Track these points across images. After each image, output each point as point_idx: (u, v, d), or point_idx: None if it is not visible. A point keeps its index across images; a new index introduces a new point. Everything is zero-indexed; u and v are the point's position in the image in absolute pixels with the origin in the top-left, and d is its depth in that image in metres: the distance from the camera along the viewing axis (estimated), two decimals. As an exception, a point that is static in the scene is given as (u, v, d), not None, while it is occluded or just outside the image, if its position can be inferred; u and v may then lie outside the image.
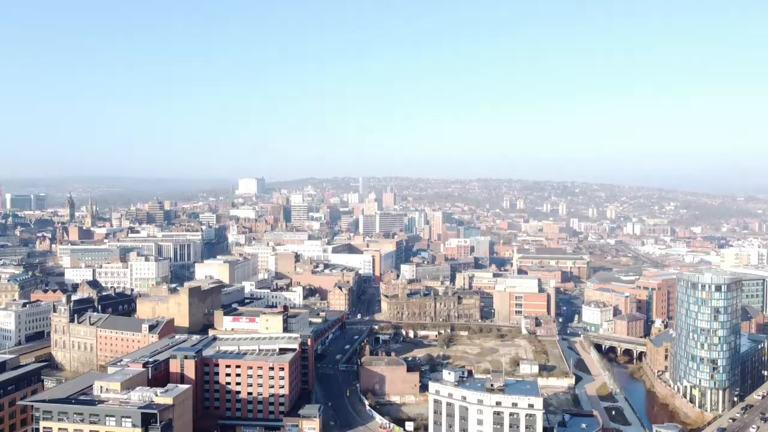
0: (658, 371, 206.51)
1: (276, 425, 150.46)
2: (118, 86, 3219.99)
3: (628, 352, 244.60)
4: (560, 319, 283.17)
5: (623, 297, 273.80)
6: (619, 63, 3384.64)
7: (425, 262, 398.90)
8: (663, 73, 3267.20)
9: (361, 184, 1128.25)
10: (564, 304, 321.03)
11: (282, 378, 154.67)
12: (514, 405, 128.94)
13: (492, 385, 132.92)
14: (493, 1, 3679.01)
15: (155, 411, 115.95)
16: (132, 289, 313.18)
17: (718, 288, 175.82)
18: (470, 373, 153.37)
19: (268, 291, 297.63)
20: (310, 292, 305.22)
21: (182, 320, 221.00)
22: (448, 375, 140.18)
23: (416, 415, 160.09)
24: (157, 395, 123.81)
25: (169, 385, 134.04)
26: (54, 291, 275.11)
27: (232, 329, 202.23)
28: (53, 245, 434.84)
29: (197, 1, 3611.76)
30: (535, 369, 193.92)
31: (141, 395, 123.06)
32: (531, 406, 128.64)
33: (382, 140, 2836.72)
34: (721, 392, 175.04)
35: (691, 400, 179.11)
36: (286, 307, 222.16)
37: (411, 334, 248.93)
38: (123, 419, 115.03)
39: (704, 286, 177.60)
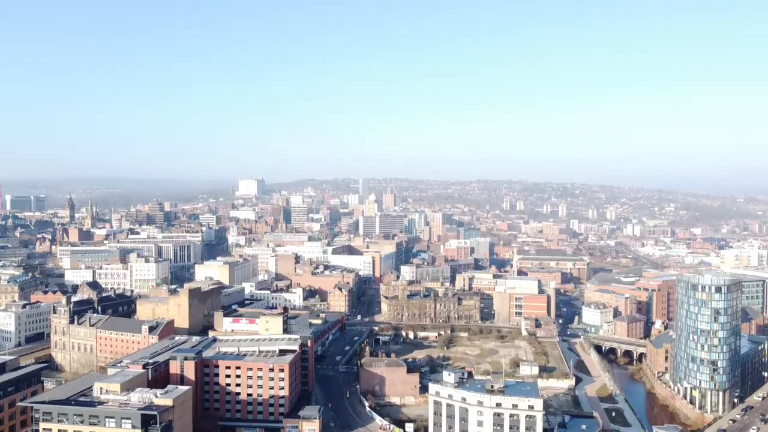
0: (658, 372, 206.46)
1: (276, 426, 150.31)
2: (118, 86, 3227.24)
3: (628, 354, 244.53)
4: (560, 321, 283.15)
5: (623, 298, 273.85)
6: (619, 63, 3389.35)
7: (425, 264, 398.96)
8: (663, 73, 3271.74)
9: (361, 186, 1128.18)
10: (564, 306, 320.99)
11: (282, 379, 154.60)
12: (514, 406, 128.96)
13: (492, 386, 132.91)
14: (493, 1, 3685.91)
15: (155, 412, 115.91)
16: (132, 291, 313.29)
17: (718, 289, 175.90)
18: (470, 374, 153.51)
19: (268, 292, 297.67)
20: (310, 293, 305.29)
21: (182, 321, 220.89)
22: (448, 376, 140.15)
23: (416, 416, 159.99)
24: (156, 396, 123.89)
25: (169, 387, 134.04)
26: (54, 292, 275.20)
27: (232, 330, 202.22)
28: (53, 246, 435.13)
29: (197, 1, 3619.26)
30: (535, 370, 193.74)
31: (141, 396, 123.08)
32: (531, 407, 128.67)
33: (382, 140, 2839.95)
34: (721, 393, 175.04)
35: (692, 402, 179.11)
36: (286, 309, 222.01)
37: (411, 336, 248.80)
38: (123, 420, 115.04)
39: (704, 287, 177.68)
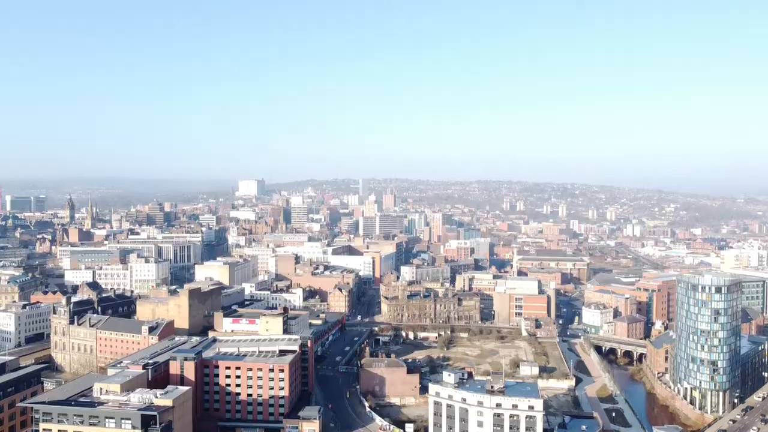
0: (659, 373, 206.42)
1: (276, 427, 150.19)
2: (118, 86, 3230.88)
3: (628, 354, 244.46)
4: (560, 321, 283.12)
5: (623, 299, 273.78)
6: (619, 63, 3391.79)
7: (425, 264, 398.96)
8: (663, 73, 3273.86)
9: (361, 186, 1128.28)
10: (564, 306, 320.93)
11: (282, 380, 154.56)
12: (514, 407, 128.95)
13: (492, 386, 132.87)
14: (493, 1, 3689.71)
15: (155, 413, 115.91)
16: (132, 291, 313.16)
17: (718, 290, 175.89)
18: (470, 374, 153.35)
19: (268, 293, 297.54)
20: (310, 293, 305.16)
21: (182, 322, 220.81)
22: (448, 377, 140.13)
23: (416, 416, 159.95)
24: (156, 397, 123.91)
25: (169, 387, 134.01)
26: (54, 293, 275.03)
27: (232, 331, 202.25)
28: (53, 247, 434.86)
29: (197, 1, 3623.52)
30: (535, 371, 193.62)
31: (141, 397, 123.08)
32: (531, 407, 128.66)
33: (382, 140, 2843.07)
34: (721, 394, 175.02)
35: (692, 402, 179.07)
36: (286, 309, 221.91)
37: (411, 336, 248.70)
38: (123, 421, 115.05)
39: (704, 287, 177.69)
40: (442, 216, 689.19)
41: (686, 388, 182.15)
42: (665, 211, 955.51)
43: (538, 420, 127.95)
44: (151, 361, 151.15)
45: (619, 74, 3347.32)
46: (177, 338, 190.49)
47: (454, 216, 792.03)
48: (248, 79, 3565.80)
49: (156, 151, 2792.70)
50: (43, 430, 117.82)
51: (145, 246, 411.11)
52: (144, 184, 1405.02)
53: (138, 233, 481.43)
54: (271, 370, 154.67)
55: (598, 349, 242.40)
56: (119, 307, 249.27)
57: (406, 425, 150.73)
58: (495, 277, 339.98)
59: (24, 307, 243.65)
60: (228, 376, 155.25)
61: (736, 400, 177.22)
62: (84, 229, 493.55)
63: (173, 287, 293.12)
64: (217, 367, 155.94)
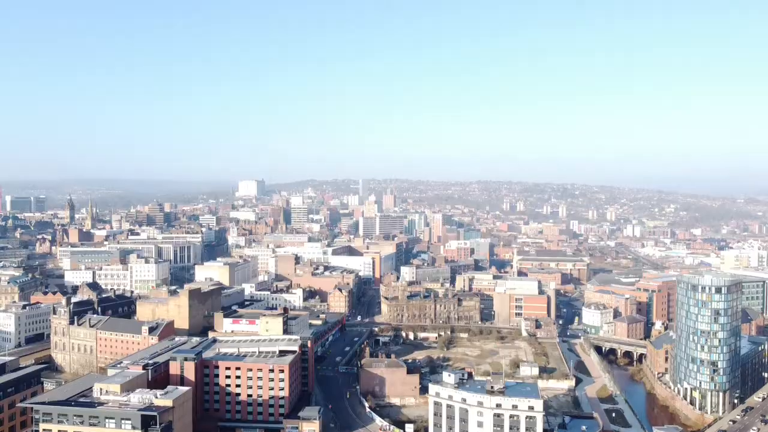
0: (659, 373, 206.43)
1: (276, 427, 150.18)
2: (118, 86, 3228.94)
3: (628, 354, 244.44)
4: (560, 321, 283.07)
5: (623, 299, 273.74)
6: (619, 63, 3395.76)
7: (425, 264, 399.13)
8: (663, 73, 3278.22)
9: (361, 186, 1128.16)
10: (564, 306, 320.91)
11: (282, 380, 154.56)
12: (514, 407, 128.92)
13: (492, 387, 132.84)
14: (493, 1, 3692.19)
15: (155, 413, 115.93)
16: (132, 291, 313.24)
17: (718, 290, 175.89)
18: (470, 375, 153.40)
19: (268, 293, 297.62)
20: (310, 294, 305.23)
21: (182, 322, 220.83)
22: (448, 377, 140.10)
23: (416, 417, 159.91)
24: (156, 397, 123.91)
25: (169, 387, 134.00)
26: (54, 293, 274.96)
27: (232, 331, 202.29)
28: (53, 247, 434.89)
29: (197, 1, 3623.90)
30: (535, 371, 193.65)
31: (141, 397, 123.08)
32: (531, 408, 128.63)
33: (382, 140, 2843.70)
34: (721, 394, 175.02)
35: (692, 402, 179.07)
36: (286, 309, 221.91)
37: (411, 336, 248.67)
38: (123, 421, 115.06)
39: (704, 288, 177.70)
40: (442, 216, 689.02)
41: (686, 389, 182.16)
42: (665, 211, 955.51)
43: (538, 420, 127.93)
44: (151, 362, 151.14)
45: (619, 74, 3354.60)
46: (177, 338, 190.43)
47: (454, 216, 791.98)
48: (248, 79, 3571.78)
49: (156, 151, 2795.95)
50: (43, 430, 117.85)
51: (145, 246, 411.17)
52: (144, 185, 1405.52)
53: (138, 234, 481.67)
54: (271, 371, 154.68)
55: (598, 349, 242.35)
56: (119, 308, 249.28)
57: (406, 425, 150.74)
58: (495, 277, 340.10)
59: (24, 307, 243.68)
60: (228, 377, 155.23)
61: (736, 401, 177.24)
62: (84, 230, 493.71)
63: (173, 288, 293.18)
64: (217, 367, 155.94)
